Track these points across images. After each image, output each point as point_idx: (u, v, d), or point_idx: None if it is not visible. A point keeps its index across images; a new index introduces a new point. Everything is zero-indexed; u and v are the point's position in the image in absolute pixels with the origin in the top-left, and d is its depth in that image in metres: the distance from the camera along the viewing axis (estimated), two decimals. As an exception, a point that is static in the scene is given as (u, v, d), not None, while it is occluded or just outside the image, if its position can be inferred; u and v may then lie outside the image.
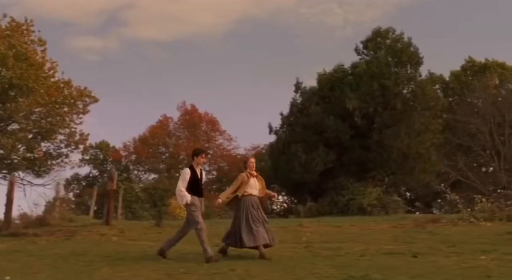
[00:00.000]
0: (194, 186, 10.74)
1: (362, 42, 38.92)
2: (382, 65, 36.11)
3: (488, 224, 19.21)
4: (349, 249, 12.97)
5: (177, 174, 59.81)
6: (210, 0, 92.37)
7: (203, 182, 11.01)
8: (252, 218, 10.84)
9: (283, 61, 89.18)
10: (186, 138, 63.28)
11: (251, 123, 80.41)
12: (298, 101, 39.22)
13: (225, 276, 9.29)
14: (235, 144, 63.66)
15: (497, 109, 57.78)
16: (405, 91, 36.71)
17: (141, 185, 43.27)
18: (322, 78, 39.23)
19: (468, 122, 57.35)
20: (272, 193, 11.88)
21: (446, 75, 61.96)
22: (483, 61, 61.17)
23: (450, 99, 61.98)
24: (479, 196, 25.50)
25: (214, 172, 64.45)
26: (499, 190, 60.41)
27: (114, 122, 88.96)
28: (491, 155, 59.02)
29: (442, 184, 62.90)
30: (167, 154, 63.68)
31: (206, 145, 64.61)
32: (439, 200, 63.89)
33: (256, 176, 11.37)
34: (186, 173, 10.74)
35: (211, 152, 65.02)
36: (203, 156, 11.09)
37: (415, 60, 37.10)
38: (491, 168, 59.38)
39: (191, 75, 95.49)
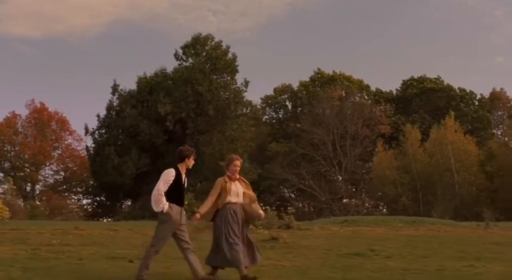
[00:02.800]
0: (176, 192, 8.45)
1: (181, 48, 38.95)
2: (197, 71, 35.86)
3: (266, 231, 19.27)
4: (78, 253, 12.76)
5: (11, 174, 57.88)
6: (85, 1, 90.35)
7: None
8: (233, 231, 8.73)
9: (152, 65, 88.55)
10: (33, 136, 60.91)
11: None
12: (115, 104, 38.65)
13: None
14: (85, 145, 61.85)
15: (340, 121, 59.44)
16: (220, 98, 36.66)
17: None
18: (142, 82, 38.57)
19: (312, 132, 58.61)
20: (259, 212, 9.26)
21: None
22: (331, 73, 62.87)
23: (300, 109, 63.35)
24: (261, 204, 25.66)
25: (62, 173, 62.78)
26: (345, 200, 62.75)
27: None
28: (333, 165, 60.61)
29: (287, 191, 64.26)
30: (12, 153, 61.35)
31: (55, 144, 62.75)
32: (289, 208, 64.93)
33: (238, 179, 9.06)
34: (170, 174, 8.40)
35: (59, 152, 63.36)
36: (192, 158, 8.65)
37: (231, 68, 37.08)
38: (335, 178, 61.07)
39: (53, 74, 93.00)
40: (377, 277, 9.55)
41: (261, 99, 63.78)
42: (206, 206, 8.88)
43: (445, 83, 62.00)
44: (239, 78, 38.26)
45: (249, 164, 39.72)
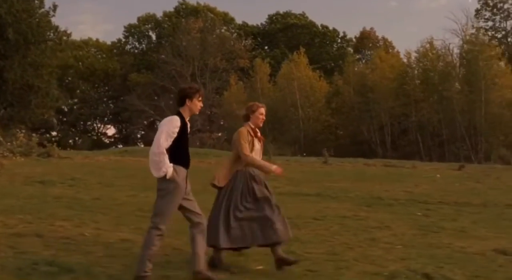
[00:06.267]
0: (181, 149, 5.61)
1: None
2: (-3, -8, 31.79)
3: (22, 159, 18.46)
4: None
5: None
6: None
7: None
8: (251, 200, 6.15)
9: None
10: None
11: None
12: None
13: None
14: None
15: (200, 54, 56.40)
16: (22, 22, 32.61)
17: None
18: None
19: (172, 64, 55.51)
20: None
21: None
22: (195, 4, 59.16)
23: (165, 40, 59.75)
24: (22, 130, 23.43)
25: None
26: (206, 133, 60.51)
27: None
28: (192, 98, 57.56)
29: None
30: None
31: None
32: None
33: (258, 137, 6.37)
34: (175, 123, 5.49)
35: None
36: (197, 98, 5.64)
37: (36, -10, 33.10)
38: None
39: None
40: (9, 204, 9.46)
41: (124, 27, 60.07)
42: (259, 160, 6.17)
43: (308, 20, 59.58)
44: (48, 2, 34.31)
45: (58, 91, 36.18)
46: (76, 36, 63.24)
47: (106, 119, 63.31)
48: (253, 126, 6.31)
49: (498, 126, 40.93)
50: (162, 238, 5.53)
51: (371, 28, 66.16)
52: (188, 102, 5.58)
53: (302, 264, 6.43)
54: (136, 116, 55.69)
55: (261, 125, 6.39)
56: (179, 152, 5.54)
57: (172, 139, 5.45)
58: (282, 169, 6.09)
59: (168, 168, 5.39)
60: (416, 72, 44.72)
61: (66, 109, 61.85)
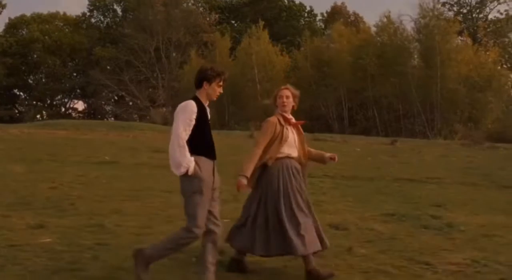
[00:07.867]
0: (202, 137, 4.82)
1: None
2: None
3: None
4: None
5: None
6: None
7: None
8: (297, 201, 5.25)
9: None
10: None
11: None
12: None
13: None
14: None
15: (164, 28, 54.80)
16: None
17: None
18: None
19: (136, 38, 53.94)
20: (329, 156, 5.63)
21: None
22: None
23: (131, 14, 58.08)
24: None
25: None
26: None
27: None
28: (155, 72, 56.52)
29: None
30: None
31: None
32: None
33: (294, 125, 5.48)
34: (191, 110, 4.72)
35: None
36: (220, 82, 4.89)
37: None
38: (157, 85, 56.36)
39: None
40: None
41: (88, 1, 58.48)
42: (252, 162, 5.23)
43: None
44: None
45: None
46: (60, 11, 61.45)
47: (73, 94, 61.82)
48: (282, 113, 5.42)
49: (454, 102, 40.03)
50: (193, 241, 4.80)
51: (342, 3, 64.89)
52: (206, 86, 4.86)
53: (96, 237, 6.22)
54: (101, 91, 54.46)
55: (287, 109, 5.44)
56: (200, 141, 4.78)
57: (190, 128, 4.71)
58: (244, 188, 5.20)
59: (190, 163, 4.64)
60: (373, 46, 43.38)
61: (33, 84, 60.54)
